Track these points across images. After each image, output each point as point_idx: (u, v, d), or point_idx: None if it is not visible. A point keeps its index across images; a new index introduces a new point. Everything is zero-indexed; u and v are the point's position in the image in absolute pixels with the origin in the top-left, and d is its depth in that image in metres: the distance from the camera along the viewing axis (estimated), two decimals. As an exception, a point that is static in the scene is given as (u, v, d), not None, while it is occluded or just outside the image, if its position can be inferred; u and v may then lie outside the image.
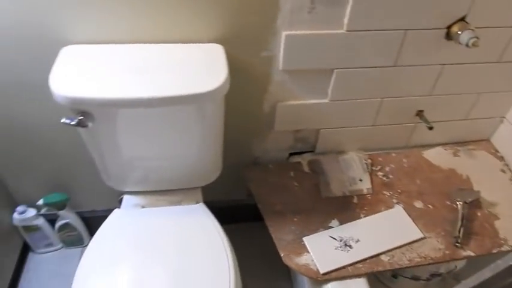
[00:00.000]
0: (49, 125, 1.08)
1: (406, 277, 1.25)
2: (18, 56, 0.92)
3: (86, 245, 1.45)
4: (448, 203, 1.19)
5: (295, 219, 1.12)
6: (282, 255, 1.05)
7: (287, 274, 1.41)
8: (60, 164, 1.22)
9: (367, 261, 1.03)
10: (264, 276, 1.40)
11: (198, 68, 0.87)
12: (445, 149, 1.37)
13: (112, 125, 0.88)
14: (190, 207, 1.05)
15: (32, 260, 1.42)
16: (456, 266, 1.24)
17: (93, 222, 1.42)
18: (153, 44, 0.92)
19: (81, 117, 0.83)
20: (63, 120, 0.83)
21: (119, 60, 0.88)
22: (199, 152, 1.01)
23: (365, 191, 1.21)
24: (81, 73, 0.84)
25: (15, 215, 1.27)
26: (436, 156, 1.34)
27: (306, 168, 1.27)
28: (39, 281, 1.36)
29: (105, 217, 1.28)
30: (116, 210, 1.04)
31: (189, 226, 1.00)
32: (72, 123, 0.83)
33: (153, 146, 0.96)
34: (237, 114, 1.13)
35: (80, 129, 0.90)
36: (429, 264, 1.05)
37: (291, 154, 1.32)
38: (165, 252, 0.94)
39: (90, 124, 0.84)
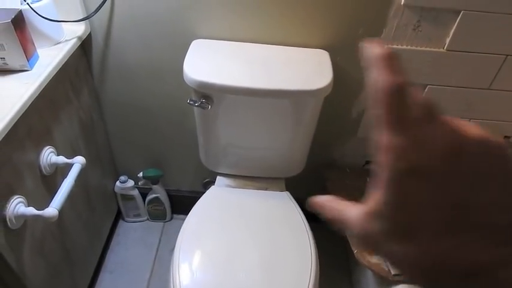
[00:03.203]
0: (166, 107, 1.26)
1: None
2: (159, 46, 1.10)
3: (168, 221, 1.63)
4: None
5: (370, 222, 1.19)
6: (355, 251, 1.11)
7: (348, 277, 1.46)
8: (161, 144, 1.40)
9: (439, 270, 1.07)
10: (326, 278, 1.46)
11: (306, 69, 0.99)
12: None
13: (226, 110, 1.02)
14: (277, 194, 1.16)
15: (122, 226, 1.60)
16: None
17: (176, 200, 1.59)
18: (268, 45, 1.06)
19: (203, 100, 0.99)
20: (188, 101, 0.99)
21: (239, 55, 1.02)
22: (290, 146, 1.13)
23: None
24: (208, 62, 0.99)
25: (118, 183, 1.46)
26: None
27: (382, 177, 1.33)
28: (126, 245, 1.53)
29: (188, 197, 1.43)
30: (212, 187, 1.17)
31: (277, 209, 1.11)
32: (196, 104, 0.99)
33: (252, 134, 1.09)
34: (326, 117, 1.23)
35: (197, 112, 1.06)
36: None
37: (368, 162, 1.39)
38: (255, 227, 1.05)
39: (209, 107, 0.99)
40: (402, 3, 0.95)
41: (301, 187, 1.39)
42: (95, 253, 1.39)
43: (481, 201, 0.20)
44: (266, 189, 1.19)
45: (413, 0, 0.94)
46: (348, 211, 0.25)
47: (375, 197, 0.22)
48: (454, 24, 0.97)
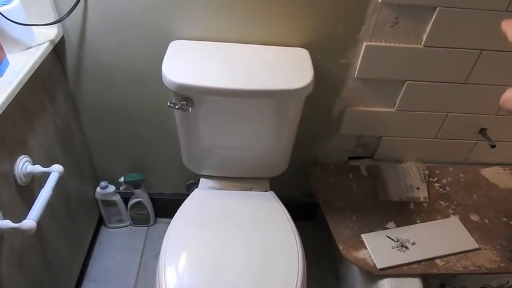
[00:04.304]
0: (146, 109, 1.23)
1: (454, 287, 1.28)
2: (136, 47, 1.07)
3: (151, 225, 1.60)
4: (505, 219, 1.22)
5: (354, 217, 1.20)
6: (340, 248, 1.12)
7: (334, 273, 1.47)
8: (142, 147, 1.37)
9: (423, 263, 1.09)
10: (313, 274, 1.46)
11: (287, 68, 0.99)
12: (503, 169, 1.39)
13: (207, 112, 1.01)
14: (262, 194, 1.16)
15: (104, 232, 1.57)
16: (508, 281, 1.26)
17: (159, 204, 1.56)
18: (247, 44, 1.05)
19: (184, 102, 0.97)
20: (169, 104, 0.97)
21: (218, 55, 1.01)
22: (274, 146, 1.12)
23: (421, 199, 1.27)
24: (187, 64, 0.97)
25: (98, 189, 1.43)
26: (494, 175, 1.37)
27: (365, 172, 1.35)
28: (110, 252, 1.50)
29: (172, 200, 1.41)
30: (196, 189, 1.16)
31: (262, 208, 1.10)
32: (176, 107, 0.97)
33: (235, 135, 1.08)
34: (308, 115, 1.23)
35: (177, 114, 1.04)
36: (483, 273, 1.09)
37: (350, 158, 1.40)
38: (240, 227, 1.04)
39: (190, 109, 0.97)
40: (380, 0, 0.95)
41: (286, 186, 1.39)
42: (78, 262, 1.35)
43: None
44: (250, 189, 1.19)
45: (391, -3, 0.95)
46: None
47: None
48: (430, 21, 0.98)
